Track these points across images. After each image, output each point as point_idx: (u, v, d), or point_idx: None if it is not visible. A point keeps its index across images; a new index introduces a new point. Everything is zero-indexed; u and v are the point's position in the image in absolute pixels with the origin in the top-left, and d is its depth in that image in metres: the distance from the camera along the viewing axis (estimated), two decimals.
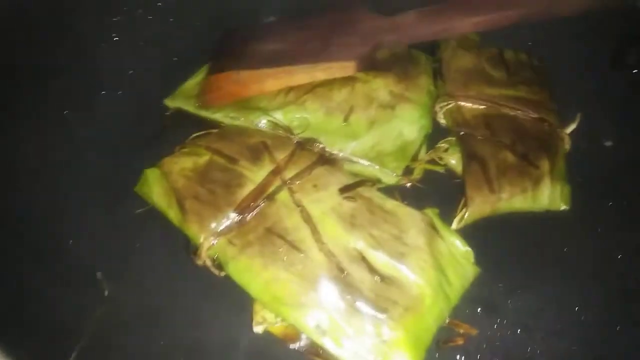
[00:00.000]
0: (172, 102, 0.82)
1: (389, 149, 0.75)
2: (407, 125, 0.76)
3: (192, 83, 0.84)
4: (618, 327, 0.65)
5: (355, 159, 0.74)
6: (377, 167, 0.73)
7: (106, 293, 0.59)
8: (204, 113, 0.79)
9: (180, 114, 0.81)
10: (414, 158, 0.76)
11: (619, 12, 0.87)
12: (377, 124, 0.76)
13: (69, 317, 0.54)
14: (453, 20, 0.78)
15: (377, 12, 0.79)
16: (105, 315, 0.56)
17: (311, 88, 0.78)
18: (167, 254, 0.66)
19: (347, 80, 0.79)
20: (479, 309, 0.65)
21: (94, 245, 0.65)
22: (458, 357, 0.61)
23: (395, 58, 0.83)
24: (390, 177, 0.73)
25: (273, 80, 0.76)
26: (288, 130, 0.74)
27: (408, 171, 0.75)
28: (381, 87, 0.78)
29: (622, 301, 0.68)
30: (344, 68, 0.74)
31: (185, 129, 0.77)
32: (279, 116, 0.76)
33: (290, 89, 0.79)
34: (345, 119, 0.76)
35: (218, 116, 0.78)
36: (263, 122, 0.76)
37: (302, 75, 0.75)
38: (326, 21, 0.81)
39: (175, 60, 0.89)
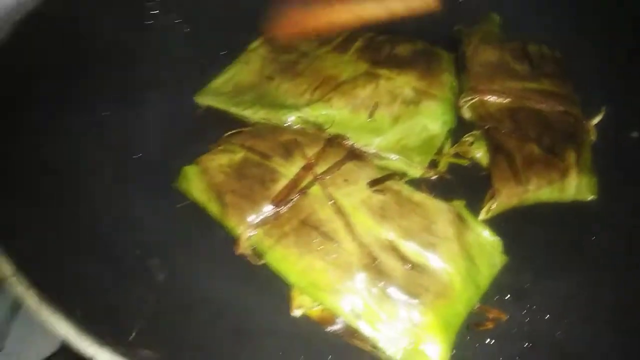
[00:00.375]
0: (202, 99, 0.86)
1: (413, 143, 0.77)
2: (431, 121, 0.79)
3: (221, 80, 0.88)
4: None
5: (382, 153, 0.76)
6: (403, 160, 0.76)
7: (160, 278, 0.63)
8: (233, 109, 0.83)
9: (211, 111, 0.85)
10: (439, 152, 0.78)
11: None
12: (402, 119, 0.78)
13: (126, 302, 0.58)
14: None
15: None
16: (158, 301, 0.60)
17: (336, 86, 0.81)
18: (208, 244, 0.70)
19: (371, 78, 0.82)
20: (508, 296, 0.67)
21: (142, 237, 0.69)
22: (488, 340, 0.63)
23: (417, 55, 0.86)
24: (416, 170, 0.76)
25: (343, 9, 0.75)
26: (317, 126, 0.77)
27: (433, 164, 0.77)
28: (404, 84, 0.81)
29: None
30: None
31: (217, 128, 0.80)
32: (305, 113, 0.79)
33: (316, 87, 0.82)
34: (370, 115, 0.79)
35: (247, 113, 0.82)
36: (291, 119, 0.79)
37: (375, 4, 0.74)
38: None
39: (206, 61, 0.92)
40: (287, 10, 0.78)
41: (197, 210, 0.71)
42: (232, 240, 0.68)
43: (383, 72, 0.82)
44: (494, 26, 0.96)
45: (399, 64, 0.83)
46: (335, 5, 0.75)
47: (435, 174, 0.77)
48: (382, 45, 0.87)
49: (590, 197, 0.75)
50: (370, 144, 0.77)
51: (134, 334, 0.51)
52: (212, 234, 0.70)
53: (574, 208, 0.74)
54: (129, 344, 0.49)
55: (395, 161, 0.76)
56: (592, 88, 0.85)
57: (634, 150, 0.82)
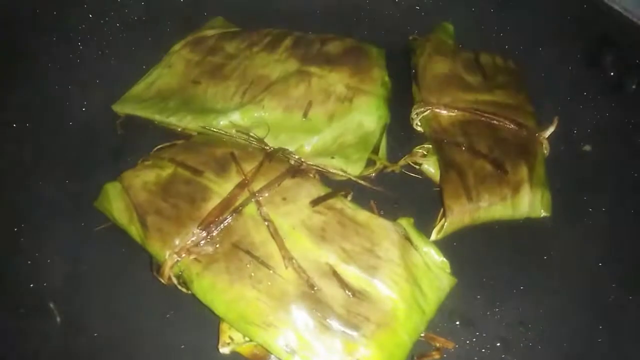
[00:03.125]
0: (122, 108, 0.79)
1: (350, 140, 0.75)
2: (366, 116, 0.76)
3: (142, 86, 0.82)
4: (599, 340, 0.63)
5: (315, 159, 0.72)
6: (341, 159, 0.72)
7: (58, 320, 0.56)
8: (157, 117, 0.77)
9: (138, 121, 0.78)
10: (375, 149, 0.76)
11: (595, 15, 0.87)
12: (337, 117, 0.76)
13: (21, 345, 0.51)
14: None
15: None
16: (59, 342, 0.53)
17: (267, 86, 0.77)
18: (128, 272, 0.64)
19: (303, 76, 0.78)
20: (457, 322, 0.64)
21: (50, 264, 0.62)
22: None
23: (347, 52, 0.83)
24: (354, 168, 0.72)
25: None
26: (248, 130, 0.73)
27: (370, 163, 0.74)
28: (337, 81, 0.78)
29: (603, 311, 0.66)
30: None
31: (150, 141, 0.74)
32: (236, 117, 0.75)
33: (246, 90, 0.78)
34: (305, 115, 0.75)
35: (173, 120, 0.76)
36: (222, 123, 0.74)
37: None
38: None
39: (143, 69, 0.86)
40: None
41: (118, 233, 0.64)
42: (155, 267, 0.61)
43: (314, 70, 0.79)
44: (448, 36, 0.94)
45: (330, 61, 0.80)
46: None
47: (373, 172, 0.74)
48: (312, 43, 0.84)
49: (543, 214, 0.72)
50: (306, 144, 0.73)
51: None
52: (132, 260, 0.63)
53: (527, 226, 0.72)
54: None
55: (333, 160, 0.72)
56: (544, 99, 0.83)
57: (586, 164, 0.80)
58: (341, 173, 0.72)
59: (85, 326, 0.58)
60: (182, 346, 0.58)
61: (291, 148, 0.73)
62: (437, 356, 0.58)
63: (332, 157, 0.72)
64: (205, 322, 0.59)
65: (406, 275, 0.58)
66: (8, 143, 0.73)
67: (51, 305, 0.58)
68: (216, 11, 0.94)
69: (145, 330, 0.59)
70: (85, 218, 0.68)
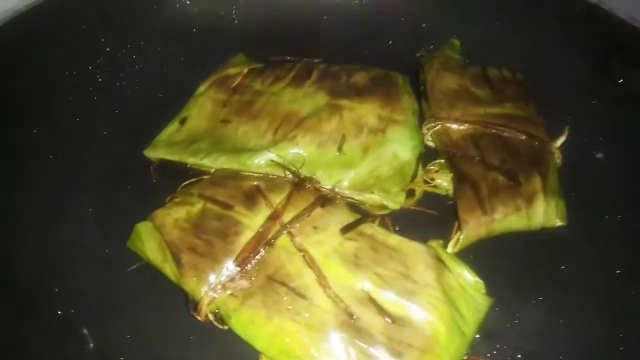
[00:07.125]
0: (153, 153, 0.79)
1: (386, 173, 0.75)
2: (400, 147, 0.76)
3: (171, 129, 0.82)
4: (621, 349, 0.63)
5: (354, 195, 0.72)
6: (381, 193, 0.72)
7: (91, 347, 0.56)
8: (191, 160, 0.77)
9: (167, 164, 0.79)
10: (412, 179, 0.75)
11: (601, 23, 0.88)
12: (371, 149, 0.75)
13: None
14: None
15: None
16: None
17: (298, 122, 0.77)
18: (164, 308, 0.64)
19: (334, 110, 0.78)
20: (477, 336, 0.62)
21: (84, 300, 0.63)
22: None
23: (375, 82, 0.83)
24: (395, 202, 0.72)
25: None
26: (284, 167, 0.72)
27: (410, 193, 0.74)
28: (368, 112, 0.78)
29: (624, 318, 0.65)
30: None
31: (174, 178, 0.74)
32: (271, 155, 0.74)
33: (277, 126, 0.78)
34: (339, 149, 0.75)
35: (207, 161, 0.76)
36: (258, 162, 0.74)
37: None
38: None
39: (161, 98, 0.87)
40: None
41: (151, 271, 0.65)
42: (191, 305, 0.61)
43: (344, 102, 0.79)
44: (455, 52, 0.95)
45: (359, 93, 0.81)
46: None
47: (414, 204, 0.73)
48: (338, 75, 0.84)
49: (559, 224, 0.72)
50: (344, 179, 0.73)
51: None
52: (168, 297, 0.63)
53: (543, 236, 0.71)
54: None
55: (373, 195, 0.72)
56: (553, 110, 0.84)
57: (600, 172, 0.80)
58: (384, 204, 0.72)
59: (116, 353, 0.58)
60: None
61: (328, 184, 0.72)
62: None
63: (372, 192, 0.72)
64: (235, 346, 0.59)
65: (444, 298, 0.58)
66: (33, 178, 0.75)
67: (84, 331, 0.58)
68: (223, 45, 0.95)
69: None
70: (114, 256, 0.68)
